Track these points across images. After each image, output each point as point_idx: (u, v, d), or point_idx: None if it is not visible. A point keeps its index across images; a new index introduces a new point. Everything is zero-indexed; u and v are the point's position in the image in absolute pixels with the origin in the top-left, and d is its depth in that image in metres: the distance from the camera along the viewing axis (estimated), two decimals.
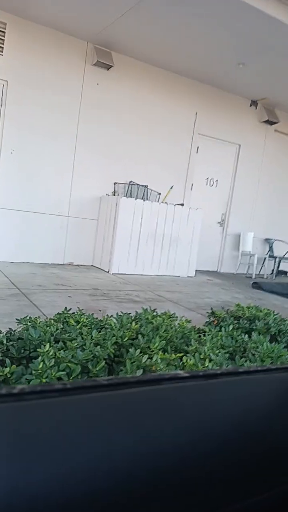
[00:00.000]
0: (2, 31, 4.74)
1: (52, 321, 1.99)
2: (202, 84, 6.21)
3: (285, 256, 7.21)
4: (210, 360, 1.64)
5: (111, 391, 0.34)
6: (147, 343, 1.77)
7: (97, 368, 1.51)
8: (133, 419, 0.33)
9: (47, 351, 1.49)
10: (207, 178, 6.71)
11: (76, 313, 2.11)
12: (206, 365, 1.58)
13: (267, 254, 7.23)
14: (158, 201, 5.80)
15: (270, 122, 6.87)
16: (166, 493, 0.30)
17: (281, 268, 7.29)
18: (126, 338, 1.81)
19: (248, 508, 0.33)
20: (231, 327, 2.21)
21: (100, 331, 1.90)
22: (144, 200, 5.46)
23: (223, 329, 2.14)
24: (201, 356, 1.66)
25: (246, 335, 2.10)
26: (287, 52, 4.80)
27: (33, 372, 1.39)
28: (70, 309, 2.19)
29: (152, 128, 5.92)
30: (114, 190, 5.72)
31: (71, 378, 1.43)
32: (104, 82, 5.45)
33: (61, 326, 1.93)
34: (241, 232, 7.00)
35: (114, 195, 5.63)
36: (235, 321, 2.47)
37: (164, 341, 1.77)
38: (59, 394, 0.32)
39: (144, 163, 5.90)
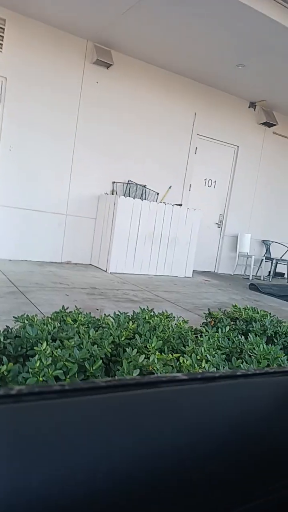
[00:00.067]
0: (1, 28, 4.72)
1: (50, 319, 1.99)
2: (201, 84, 6.22)
3: (282, 258, 7.24)
4: (207, 361, 1.64)
5: (109, 393, 0.34)
6: (144, 343, 1.77)
7: (94, 368, 1.51)
8: (132, 421, 0.33)
9: (44, 349, 1.49)
10: (205, 179, 6.72)
11: (73, 312, 2.10)
12: (203, 366, 1.59)
13: (264, 255, 7.25)
14: (156, 201, 5.80)
15: (268, 124, 6.89)
16: (165, 495, 0.30)
17: (278, 270, 7.32)
18: (123, 338, 1.81)
19: (247, 510, 0.33)
20: (227, 328, 2.21)
21: (97, 330, 1.90)
22: (142, 200, 5.46)
23: (220, 330, 2.15)
24: (198, 357, 1.67)
25: (243, 337, 2.11)
26: (287, 53, 4.81)
27: (30, 370, 1.39)
28: (67, 308, 2.19)
29: (151, 128, 5.92)
30: (113, 189, 5.72)
31: (68, 377, 1.43)
32: (103, 81, 5.45)
33: (59, 324, 1.93)
34: (239, 234, 7.01)
35: (112, 194, 5.63)
36: (232, 322, 2.47)
37: (161, 341, 1.78)
38: (57, 395, 0.32)
39: (142, 162, 5.90)
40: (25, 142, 5.06)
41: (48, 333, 1.75)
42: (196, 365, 1.59)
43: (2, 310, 2.83)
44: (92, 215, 5.65)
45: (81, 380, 1.46)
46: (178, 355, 1.69)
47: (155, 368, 1.52)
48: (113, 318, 2.07)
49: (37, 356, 1.45)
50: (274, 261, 7.12)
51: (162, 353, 1.70)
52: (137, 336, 1.83)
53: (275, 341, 2.33)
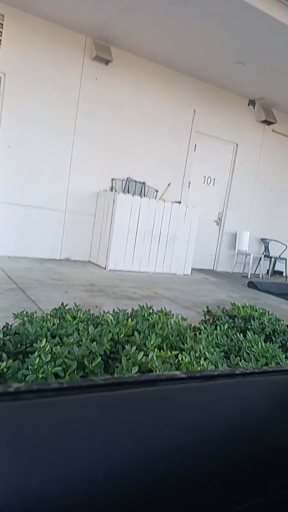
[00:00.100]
0: (0, 23, 4.69)
1: (49, 316, 1.99)
2: (201, 82, 6.20)
3: (281, 256, 7.25)
4: (206, 359, 1.65)
5: (108, 392, 0.34)
6: (143, 340, 1.78)
7: (93, 364, 1.51)
8: (131, 420, 0.33)
9: (43, 346, 1.49)
10: (205, 176, 6.71)
11: (72, 309, 2.11)
12: (202, 363, 1.59)
13: (263, 253, 7.25)
14: (155, 198, 5.79)
15: (267, 122, 6.88)
16: (165, 495, 0.30)
17: (276, 268, 7.33)
18: (122, 335, 1.82)
19: (247, 510, 0.33)
20: (226, 326, 2.22)
21: (96, 327, 1.90)
22: (141, 197, 5.46)
23: (218, 327, 2.15)
24: (197, 354, 1.67)
25: (241, 334, 2.11)
26: (287, 52, 4.80)
27: (30, 367, 1.39)
28: (66, 305, 2.19)
29: (150, 124, 5.91)
30: (112, 186, 5.70)
31: (67, 373, 1.43)
32: (102, 77, 5.42)
33: (58, 321, 1.93)
34: (238, 231, 7.01)
35: (111, 191, 5.62)
36: (231, 320, 2.48)
37: (160, 339, 1.78)
38: (56, 393, 0.32)
39: (142, 159, 5.88)
40: (25, 138, 5.04)
41: (47, 330, 1.75)
42: (194, 362, 1.59)
43: (2, 306, 2.83)
44: (91, 212, 5.64)
45: (80, 377, 1.46)
46: (176, 352, 1.69)
47: (154, 365, 1.53)
48: (112, 315, 2.07)
49: (36, 353, 1.45)
50: (273, 259, 7.12)
51: (161, 351, 1.70)
52: (136, 333, 1.83)
53: (274, 339, 2.33)
